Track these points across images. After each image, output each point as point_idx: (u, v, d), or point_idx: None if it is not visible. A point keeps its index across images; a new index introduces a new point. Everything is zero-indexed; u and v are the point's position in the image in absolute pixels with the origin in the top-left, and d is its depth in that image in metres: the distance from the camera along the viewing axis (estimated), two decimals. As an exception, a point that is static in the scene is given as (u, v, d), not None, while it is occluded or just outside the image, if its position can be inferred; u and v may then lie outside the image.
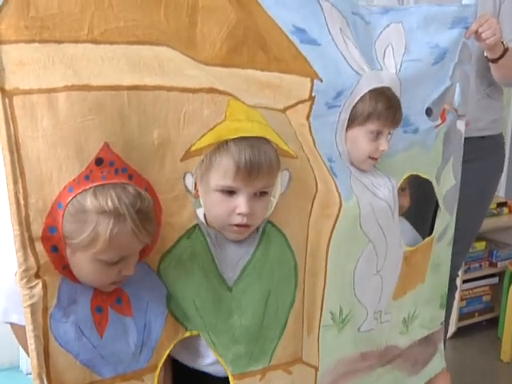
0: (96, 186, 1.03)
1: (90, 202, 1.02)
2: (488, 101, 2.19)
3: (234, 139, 1.17)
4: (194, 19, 1.24)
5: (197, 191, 1.22)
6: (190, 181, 1.18)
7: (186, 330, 1.24)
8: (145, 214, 1.06)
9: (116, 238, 1.02)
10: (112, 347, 1.10)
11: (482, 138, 2.19)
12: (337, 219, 1.39)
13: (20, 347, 2.57)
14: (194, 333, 1.25)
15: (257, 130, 1.21)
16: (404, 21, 1.63)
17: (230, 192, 1.19)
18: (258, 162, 1.17)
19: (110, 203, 1.02)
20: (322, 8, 1.44)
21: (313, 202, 1.36)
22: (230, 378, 1.27)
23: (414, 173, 1.68)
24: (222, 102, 1.20)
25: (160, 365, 1.20)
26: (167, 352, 1.21)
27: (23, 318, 1.05)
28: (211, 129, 1.18)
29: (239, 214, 1.19)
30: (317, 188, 1.36)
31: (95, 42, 1.09)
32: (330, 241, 1.39)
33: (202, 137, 1.17)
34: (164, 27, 1.19)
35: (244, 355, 1.28)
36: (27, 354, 1.11)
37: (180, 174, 1.17)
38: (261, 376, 1.31)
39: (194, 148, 1.17)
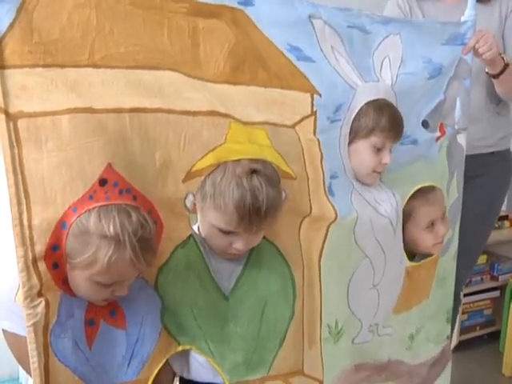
0: (100, 207, 1.04)
1: (93, 223, 1.03)
2: (497, 118, 2.20)
3: (238, 182, 1.17)
4: (196, 40, 1.26)
5: (194, 208, 1.23)
6: (190, 200, 1.20)
7: (179, 344, 1.25)
8: (146, 242, 1.06)
9: (114, 265, 1.03)
10: (99, 358, 1.12)
11: (491, 153, 2.21)
12: (327, 231, 1.41)
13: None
14: (187, 347, 1.26)
15: (257, 152, 1.23)
16: (402, 33, 1.64)
17: (230, 232, 1.21)
18: (264, 211, 1.18)
19: (111, 229, 1.02)
20: (313, 27, 1.45)
21: (303, 219, 1.38)
22: None
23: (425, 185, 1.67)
24: (223, 124, 1.22)
25: (152, 378, 1.21)
26: (159, 366, 1.21)
27: (14, 325, 1.08)
28: (211, 150, 1.20)
29: (236, 249, 1.23)
30: (310, 211, 1.38)
31: (96, 66, 1.12)
32: (321, 252, 1.41)
33: (202, 157, 1.19)
34: (168, 49, 1.22)
35: (241, 364, 1.30)
36: (17, 359, 1.15)
37: (182, 195, 1.19)
38: None
39: (194, 169, 1.19)
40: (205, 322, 1.25)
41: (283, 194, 1.28)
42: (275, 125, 1.33)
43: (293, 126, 1.38)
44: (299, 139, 1.38)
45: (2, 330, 1.16)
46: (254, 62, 1.34)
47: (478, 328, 3.29)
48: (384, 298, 1.59)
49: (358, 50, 1.55)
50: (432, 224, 1.65)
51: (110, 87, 1.12)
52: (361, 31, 1.56)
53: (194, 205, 1.23)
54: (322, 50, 1.46)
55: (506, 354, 3.01)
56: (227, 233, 1.21)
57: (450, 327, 1.91)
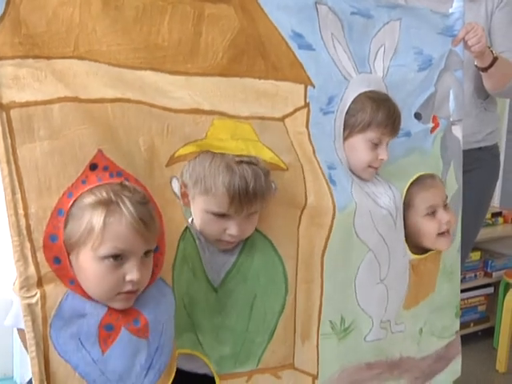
0: (93, 187, 1.06)
1: (87, 197, 1.05)
2: (485, 114, 2.24)
3: (228, 165, 1.21)
4: (199, 28, 1.27)
5: (186, 199, 1.25)
6: (176, 185, 1.22)
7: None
8: (142, 206, 1.06)
9: (111, 228, 1.03)
10: (114, 365, 1.09)
11: (479, 149, 2.24)
12: (331, 229, 1.39)
13: (14, 357, 2.57)
14: (183, 350, 1.25)
15: (241, 149, 1.25)
16: (404, 18, 1.65)
17: (223, 215, 1.23)
18: (253, 192, 1.21)
19: (104, 193, 1.04)
20: (317, 13, 1.47)
21: (302, 212, 1.37)
22: (216, 379, 1.29)
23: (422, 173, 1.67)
24: (205, 122, 1.25)
25: None
26: (173, 375, 1.19)
27: None
28: (192, 142, 1.23)
29: (230, 235, 1.24)
30: (306, 201, 1.37)
31: (80, 58, 1.14)
32: (325, 250, 1.40)
33: (183, 146, 1.22)
34: (162, 41, 1.22)
35: (230, 356, 1.30)
36: None
37: (167, 179, 1.21)
38: (247, 378, 1.33)
39: (177, 154, 1.21)
40: (194, 312, 1.26)
41: (273, 186, 1.29)
42: (262, 118, 1.34)
43: (282, 119, 1.38)
44: (287, 132, 1.38)
45: (18, 329, 1.15)
46: (255, 52, 1.35)
47: (471, 324, 3.32)
48: (392, 292, 1.58)
49: (357, 37, 1.56)
50: (433, 212, 1.62)
51: (94, 78, 1.14)
52: (363, 17, 1.57)
53: (186, 195, 1.24)
54: (322, 38, 1.47)
55: (499, 350, 3.04)
56: (220, 216, 1.23)
57: (458, 322, 1.89)
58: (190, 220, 1.29)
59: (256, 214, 1.27)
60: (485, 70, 1.94)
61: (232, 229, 1.24)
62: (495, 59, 1.90)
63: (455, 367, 1.91)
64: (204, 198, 1.22)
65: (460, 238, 1.85)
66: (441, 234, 1.63)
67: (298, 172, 1.37)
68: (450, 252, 1.77)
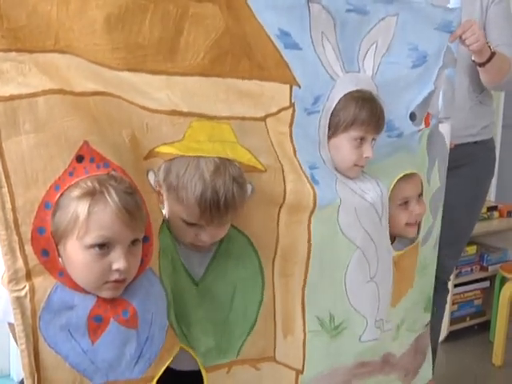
0: (81, 180, 1.07)
1: (73, 190, 1.05)
2: (480, 107, 2.23)
3: (201, 176, 1.19)
4: (181, 27, 1.26)
5: (161, 197, 1.25)
6: (151, 178, 1.22)
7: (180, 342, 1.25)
8: (127, 195, 1.07)
9: (96, 216, 1.03)
10: (103, 355, 1.10)
11: (474, 143, 2.23)
12: (309, 223, 1.39)
13: (11, 355, 2.56)
14: (185, 347, 1.25)
15: (218, 151, 1.25)
16: (401, 13, 1.62)
17: (194, 224, 1.23)
18: (224, 206, 1.20)
19: (89, 183, 1.05)
20: (309, 11, 1.45)
21: (280, 209, 1.37)
22: (203, 371, 1.29)
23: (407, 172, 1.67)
24: (183, 124, 1.24)
25: (157, 377, 1.19)
26: (166, 364, 1.20)
27: None
28: (170, 143, 1.23)
29: (201, 241, 1.25)
30: (284, 200, 1.37)
31: (61, 52, 1.14)
32: (310, 247, 1.40)
33: (163, 144, 1.22)
34: (142, 40, 1.21)
35: (213, 348, 1.31)
36: None
37: (145, 171, 1.21)
38: (227, 369, 1.35)
39: (157, 150, 1.22)
40: (177, 306, 1.25)
41: (249, 188, 1.29)
42: (243, 118, 1.33)
43: (263, 119, 1.37)
44: (268, 132, 1.37)
45: (9, 323, 1.14)
46: (240, 52, 1.33)
47: (468, 318, 3.32)
48: (382, 290, 1.58)
49: (350, 35, 1.54)
50: (406, 202, 1.65)
51: (75, 72, 1.14)
52: (359, 14, 1.54)
53: (161, 194, 1.24)
54: (311, 37, 1.45)
55: (495, 343, 3.04)
56: (191, 224, 1.23)
57: (428, 315, 1.88)
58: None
59: (228, 223, 1.28)
60: (482, 65, 1.93)
61: (203, 236, 1.25)
62: (493, 54, 1.89)
63: (428, 357, 1.91)
64: (176, 205, 1.22)
65: (438, 235, 1.84)
66: (408, 224, 1.66)
67: (277, 173, 1.36)
68: (425, 248, 1.77)
